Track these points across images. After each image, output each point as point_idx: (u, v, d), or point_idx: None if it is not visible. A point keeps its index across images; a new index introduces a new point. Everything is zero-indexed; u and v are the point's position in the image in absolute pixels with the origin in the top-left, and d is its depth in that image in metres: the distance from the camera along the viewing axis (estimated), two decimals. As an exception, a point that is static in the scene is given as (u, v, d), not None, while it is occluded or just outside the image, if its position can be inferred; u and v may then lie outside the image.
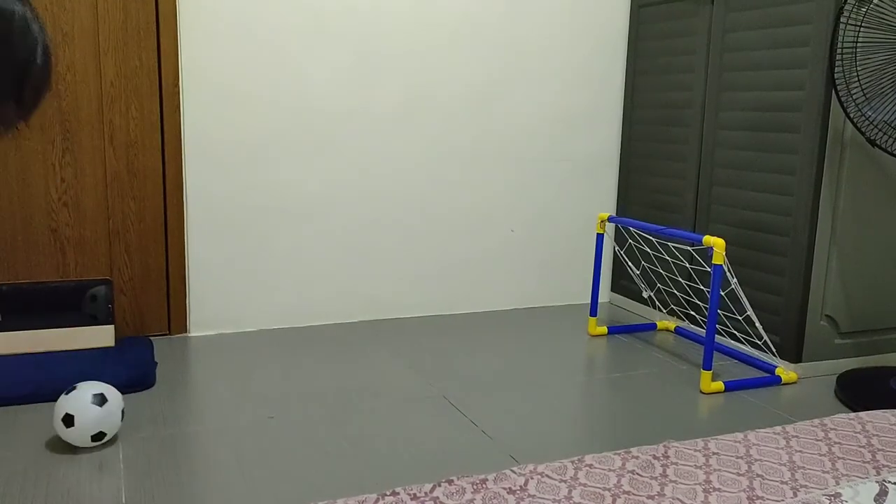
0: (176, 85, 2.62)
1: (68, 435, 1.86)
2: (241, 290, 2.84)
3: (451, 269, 3.18)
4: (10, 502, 1.64)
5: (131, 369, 2.35)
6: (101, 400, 1.88)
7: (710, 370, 2.40)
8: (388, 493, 1.36)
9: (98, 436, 1.88)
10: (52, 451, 1.88)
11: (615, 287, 3.46)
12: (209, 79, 2.66)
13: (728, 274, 2.51)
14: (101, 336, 2.57)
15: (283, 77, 2.76)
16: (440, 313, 3.19)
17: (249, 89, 2.72)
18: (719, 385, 2.42)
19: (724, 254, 2.37)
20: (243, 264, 2.83)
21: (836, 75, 2.26)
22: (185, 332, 2.79)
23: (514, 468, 1.48)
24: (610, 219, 2.86)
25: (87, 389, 1.89)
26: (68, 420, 1.85)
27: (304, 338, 2.81)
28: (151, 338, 2.71)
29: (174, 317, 2.77)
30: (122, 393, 2.22)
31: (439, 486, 1.40)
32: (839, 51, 2.25)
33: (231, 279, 2.82)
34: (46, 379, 2.26)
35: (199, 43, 2.63)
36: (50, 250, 2.58)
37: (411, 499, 1.36)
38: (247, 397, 2.25)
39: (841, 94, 2.26)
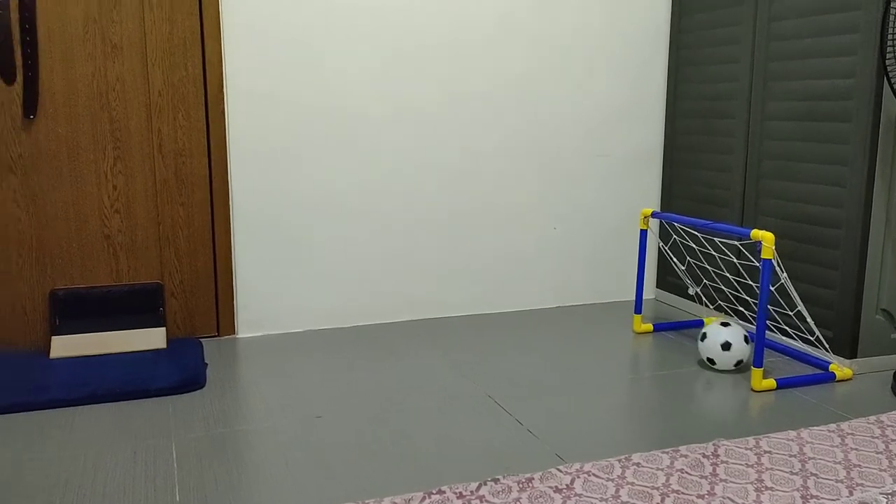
0: (220, 93, 2.67)
1: (722, 357, 2.44)
2: (286, 292, 2.89)
3: (492, 268, 3.18)
4: (68, 502, 1.69)
5: (182, 370, 2.41)
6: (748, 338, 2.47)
7: (760, 367, 2.35)
8: (434, 491, 1.36)
9: (739, 363, 2.44)
10: (108, 452, 1.93)
11: (660, 283, 3.41)
12: (252, 86, 2.71)
13: (778, 268, 2.46)
14: (153, 338, 2.63)
15: (322, 81, 2.80)
16: (483, 312, 3.19)
17: (291, 95, 2.76)
18: (771, 382, 2.37)
19: (773, 248, 2.32)
20: (288, 266, 2.88)
21: (887, 62, 2.19)
22: (233, 333, 2.85)
23: (561, 467, 1.47)
24: (654, 214, 2.83)
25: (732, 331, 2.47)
26: (726, 346, 2.43)
27: (349, 338, 2.84)
28: (201, 339, 2.77)
29: (222, 319, 2.82)
30: (174, 394, 2.28)
31: (485, 484, 1.40)
32: (890, 37, 2.18)
33: (276, 281, 2.87)
34: (101, 381, 2.33)
35: (242, 51, 2.68)
36: (103, 255, 2.65)
37: (457, 497, 1.36)
38: (294, 397, 2.28)
39: (893, 81, 2.19)
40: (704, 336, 2.51)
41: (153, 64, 2.60)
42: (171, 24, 2.59)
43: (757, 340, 2.37)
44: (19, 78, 2.46)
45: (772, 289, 2.66)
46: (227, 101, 2.69)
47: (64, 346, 2.54)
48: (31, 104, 2.47)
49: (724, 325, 2.49)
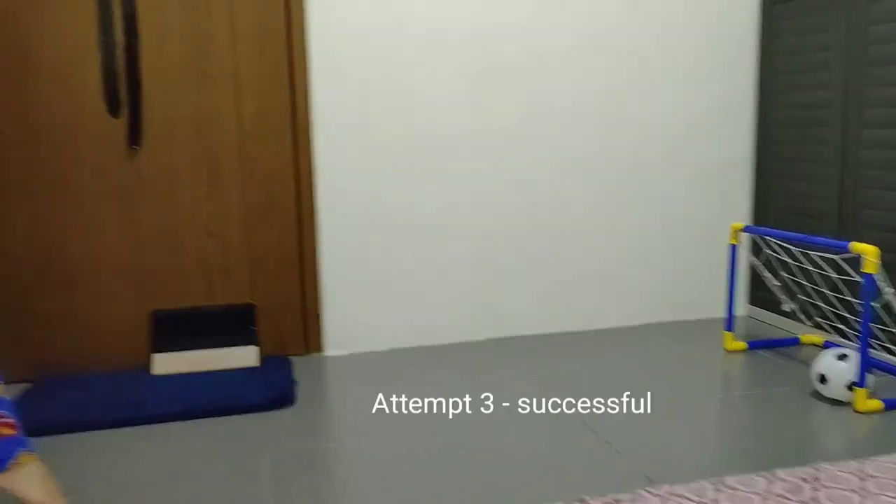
0: (308, 120, 2.76)
1: (827, 390, 2.31)
2: (371, 311, 2.94)
3: (577, 285, 3.14)
4: (170, 512, 1.77)
5: (274, 388, 2.48)
6: (843, 356, 2.31)
7: (864, 387, 2.23)
8: (520, 511, 1.36)
9: (850, 385, 2.27)
10: (203, 465, 2.01)
11: (753, 299, 3.29)
12: (338, 112, 2.79)
13: (881, 283, 2.33)
14: (246, 356, 2.73)
15: (406, 105, 2.85)
16: (569, 330, 3.15)
17: (375, 119, 2.83)
18: (877, 403, 2.24)
19: (877, 262, 2.20)
20: (374, 286, 2.93)
21: None
22: (321, 351, 2.92)
23: (650, 488, 1.44)
24: (746, 229, 2.74)
25: (828, 353, 2.35)
26: (821, 379, 2.32)
27: (434, 356, 2.86)
28: (290, 357, 2.85)
29: (311, 337, 2.90)
30: (265, 410, 2.35)
31: (572, 505, 1.38)
32: None
33: (362, 300, 2.92)
34: (198, 397, 2.43)
35: (328, 80, 2.76)
36: (198, 277, 2.77)
37: (544, 517, 1.35)
38: (380, 414, 2.31)
39: None
40: (824, 378, 2.33)
41: (245, 95, 2.71)
42: (261, 57, 2.71)
43: (860, 359, 2.25)
44: (124, 111, 2.61)
45: (875, 305, 2.53)
46: (314, 128, 2.78)
47: (164, 363, 2.67)
48: (134, 135, 2.63)
49: (842, 357, 2.32)
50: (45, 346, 2.65)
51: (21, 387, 2.57)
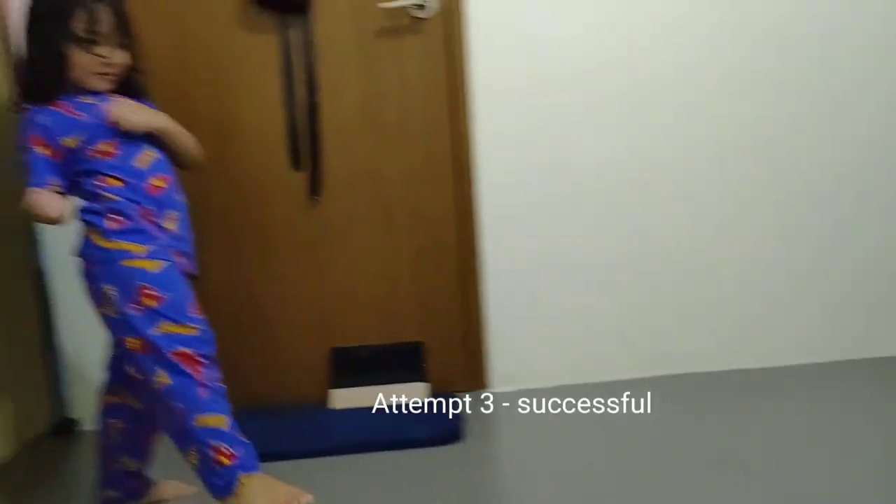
0: (470, 162, 2.88)
1: None
2: (537, 348, 2.97)
3: (751, 318, 2.99)
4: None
5: (443, 424, 2.58)
6: None
7: None
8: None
9: None
10: (378, 499, 2.12)
11: (958, 338, 2.98)
12: (499, 155, 2.88)
13: None
14: (416, 392, 2.85)
15: (566, 142, 2.89)
16: (738, 367, 3.00)
17: (536, 157, 2.89)
18: None
19: None
20: (539, 322, 2.97)
21: None
22: (488, 388, 2.98)
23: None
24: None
25: None
26: None
27: (602, 392, 2.82)
28: (458, 394, 2.94)
29: (477, 374, 2.98)
30: (435, 445, 2.45)
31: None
32: None
33: (528, 337, 2.97)
34: (372, 431, 2.57)
35: (490, 124, 2.87)
36: (372, 316, 2.95)
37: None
38: (547, 452, 2.33)
39: None
40: None
41: (412, 145, 2.88)
42: (427, 106, 2.87)
43: None
44: (306, 165, 2.86)
45: None
46: (477, 169, 2.89)
47: (341, 398, 2.85)
48: (315, 186, 2.86)
49: None
50: (241, 381, 2.90)
51: (220, 417, 2.84)
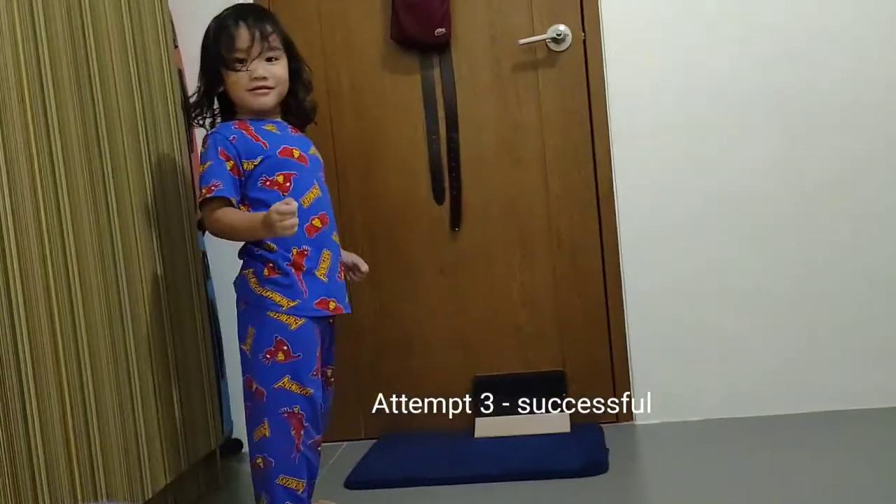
0: (610, 189, 2.86)
1: None
2: (683, 379, 2.87)
3: (926, 355, 2.75)
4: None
5: (586, 455, 2.54)
6: None
7: None
8: None
9: None
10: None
11: None
12: (639, 181, 2.84)
13: None
14: (557, 422, 2.84)
15: (710, 165, 2.81)
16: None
17: (679, 185, 2.83)
18: None
19: None
20: (684, 352, 2.87)
21: None
22: (631, 419, 2.91)
23: None
24: None
25: None
26: None
27: (749, 429, 2.68)
28: (601, 425, 2.89)
29: (620, 404, 2.91)
30: (578, 476, 2.41)
31: None
32: None
33: (672, 368, 2.88)
34: (514, 460, 2.58)
35: (628, 149, 2.84)
36: (513, 344, 2.97)
37: None
38: (692, 486, 2.24)
39: None
40: None
41: (551, 174, 2.90)
42: (565, 136, 2.89)
43: None
44: (447, 198, 2.95)
45: None
46: (617, 197, 2.86)
47: (485, 427, 2.88)
48: (455, 218, 2.95)
49: None
50: (389, 407, 3.02)
51: (367, 443, 2.96)
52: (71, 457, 1.79)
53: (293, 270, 2.01)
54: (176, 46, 2.66)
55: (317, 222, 2.07)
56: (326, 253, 2.08)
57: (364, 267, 2.32)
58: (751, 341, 2.84)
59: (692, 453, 2.53)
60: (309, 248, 2.04)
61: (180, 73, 2.65)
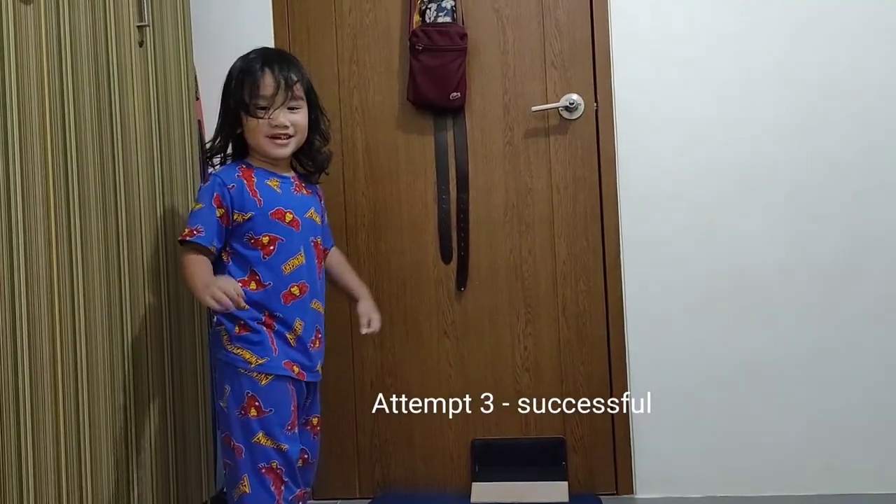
0: (617, 258, 2.86)
1: None
2: (686, 453, 2.82)
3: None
4: None
5: (584, 528, 2.49)
6: None
7: None
8: None
9: None
10: None
11: None
12: (648, 248, 2.85)
13: None
14: (556, 491, 2.78)
15: (720, 238, 2.81)
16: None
17: (684, 254, 2.83)
18: None
19: None
20: (688, 426, 2.83)
21: None
22: (632, 492, 2.85)
23: None
24: None
25: None
26: None
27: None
28: (600, 496, 2.84)
29: (621, 476, 2.86)
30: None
31: None
32: None
33: (675, 441, 2.83)
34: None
35: (638, 219, 2.86)
36: (514, 409, 2.93)
37: None
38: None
39: None
40: None
41: (559, 237, 2.92)
42: (574, 203, 2.91)
43: None
44: (454, 258, 2.96)
45: None
46: (624, 265, 2.86)
47: (482, 492, 2.83)
48: (462, 279, 2.95)
49: None
50: (384, 463, 2.98)
51: (363, 503, 2.90)
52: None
53: (264, 329, 2.02)
54: (197, 98, 2.72)
55: (295, 290, 2.06)
56: (299, 322, 2.07)
57: (375, 326, 2.36)
58: (757, 418, 2.79)
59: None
60: (281, 315, 2.04)
61: (199, 123, 2.70)
